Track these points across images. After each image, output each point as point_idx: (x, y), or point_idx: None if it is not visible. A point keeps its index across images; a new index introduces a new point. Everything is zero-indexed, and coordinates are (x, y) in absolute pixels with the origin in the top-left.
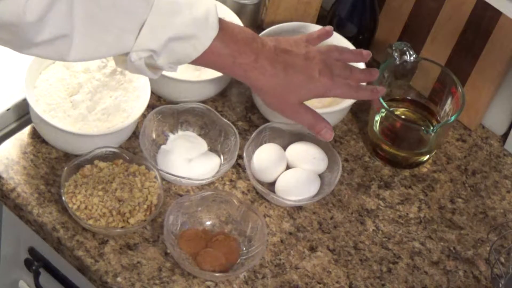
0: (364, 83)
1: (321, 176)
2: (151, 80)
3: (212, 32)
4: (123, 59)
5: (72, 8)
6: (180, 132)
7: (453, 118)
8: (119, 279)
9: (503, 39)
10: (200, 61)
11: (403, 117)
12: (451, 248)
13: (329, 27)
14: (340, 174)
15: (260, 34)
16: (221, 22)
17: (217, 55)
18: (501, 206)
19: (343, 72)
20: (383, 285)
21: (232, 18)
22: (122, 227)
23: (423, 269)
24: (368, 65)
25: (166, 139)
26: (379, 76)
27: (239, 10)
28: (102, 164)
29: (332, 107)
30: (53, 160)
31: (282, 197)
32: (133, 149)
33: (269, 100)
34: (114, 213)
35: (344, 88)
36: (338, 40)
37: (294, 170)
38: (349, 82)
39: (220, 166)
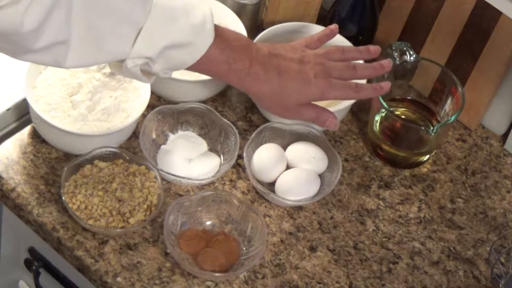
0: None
1: (321, 176)
2: None
3: (208, 39)
4: (118, 64)
5: (70, 15)
6: (180, 132)
7: (453, 118)
8: (119, 279)
9: (503, 39)
10: (196, 67)
11: (403, 117)
12: (451, 248)
13: (333, 26)
14: (340, 174)
15: (260, 34)
16: (216, 28)
17: (212, 61)
18: (501, 206)
19: (345, 72)
20: (383, 285)
21: (232, 18)
22: (122, 227)
23: (423, 269)
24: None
25: (166, 139)
26: (379, 76)
27: (239, 10)
28: (102, 164)
29: (332, 107)
30: (53, 160)
31: (282, 197)
32: (133, 149)
33: (266, 105)
34: (114, 213)
35: (343, 89)
36: (338, 40)
37: (294, 170)
38: (348, 83)
39: (220, 166)
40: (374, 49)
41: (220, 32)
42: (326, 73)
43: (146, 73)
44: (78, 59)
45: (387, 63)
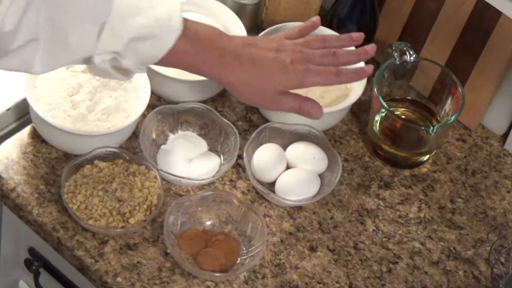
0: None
1: (321, 176)
2: (151, 80)
3: (176, 31)
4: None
5: (39, 14)
6: (180, 132)
7: (453, 118)
8: (119, 279)
9: (503, 39)
10: (167, 61)
11: (403, 117)
12: (451, 248)
13: (315, 18)
14: (340, 174)
15: (260, 34)
16: (185, 21)
17: (182, 54)
18: (501, 206)
19: (325, 59)
20: (383, 285)
21: (232, 18)
22: (122, 227)
23: (423, 269)
24: (368, 64)
25: (166, 139)
26: (379, 76)
27: (239, 10)
28: (102, 164)
29: (332, 107)
30: (53, 160)
31: (282, 197)
32: (133, 149)
33: (244, 96)
34: (114, 213)
35: (322, 74)
36: None
37: (294, 170)
38: (328, 68)
39: (220, 166)
40: (357, 36)
41: (189, 25)
42: (305, 60)
43: (119, 70)
44: (47, 60)
45: (370, 48)
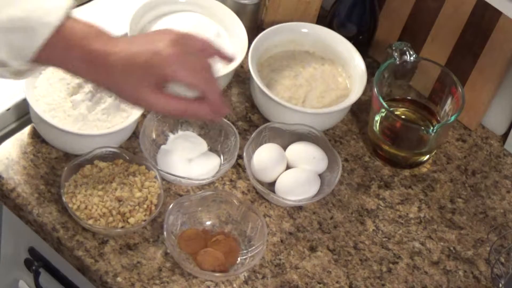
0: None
1: (321, 176)
2: None
3: (50, 25)
4: None
5: None
6: (180, 132)
7: (453, 118)
8: (119, 279)
9: (503, 39)
10: (43, 58)
11: (403, 117)
12: (451, 248)
13: (233, 58)
14: (340, 174)
15: (260, 34)
16: (67, 17)
17: (53, 50)
18: (501, 206)
19: (197, 64)
20: (383, 285)
21: (232, 18)
22: (122, 227)
23: (423, 269)
24: (368, 65)
25: (166, 139)
26: (379, 76)
27: (239, 10)
28: (102, 164)
29: (332, 107)
30: (53, 160)
31: (282, 197)
32: (133, 149)
33: (125, 100)
34: (114, 213)
35: (197, 71)
36: (338, 40)
37: (294, 170)
38: (202, 71)
39: (220, 166)
40: (230, 59)
41: (68, 22)
42: (181, 46)
43: (6, 67)
44: None
45: (226, 110)
